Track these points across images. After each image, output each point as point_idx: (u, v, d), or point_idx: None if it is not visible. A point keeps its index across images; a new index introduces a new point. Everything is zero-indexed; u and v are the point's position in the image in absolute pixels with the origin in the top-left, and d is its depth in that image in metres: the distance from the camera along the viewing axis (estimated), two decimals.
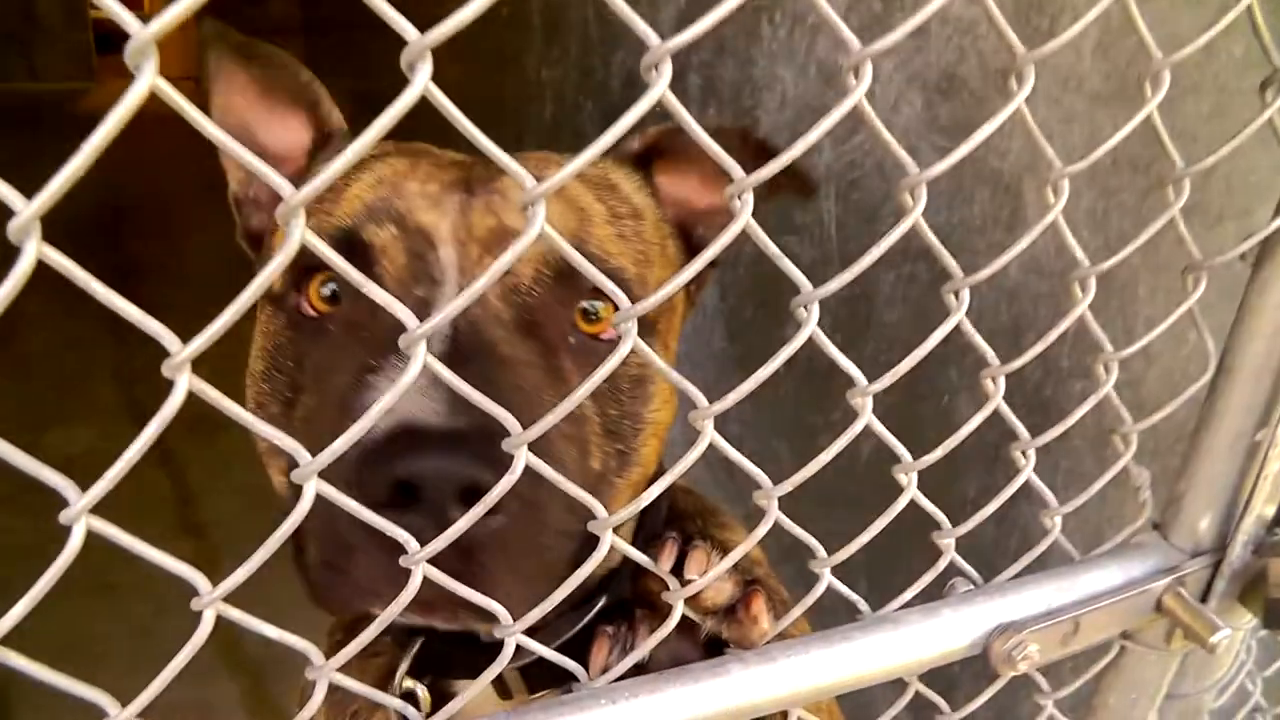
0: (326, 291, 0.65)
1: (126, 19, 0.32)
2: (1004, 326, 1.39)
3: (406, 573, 0.44)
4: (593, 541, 0.48)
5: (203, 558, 2.55)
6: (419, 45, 0.35)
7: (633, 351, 0.69)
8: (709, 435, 0.46)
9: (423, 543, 0.44)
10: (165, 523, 2.71)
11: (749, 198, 0.42)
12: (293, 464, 0.64)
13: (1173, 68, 0.63)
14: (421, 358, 0.39)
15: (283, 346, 0.67)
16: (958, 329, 0.54)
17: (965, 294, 0.53)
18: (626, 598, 0.64)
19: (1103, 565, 0.67)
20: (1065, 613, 0.62)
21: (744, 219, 0.42)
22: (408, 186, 0.66)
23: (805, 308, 0.46)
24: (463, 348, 0.58)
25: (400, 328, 0.57)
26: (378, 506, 0.44)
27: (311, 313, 0.65)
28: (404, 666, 0.70)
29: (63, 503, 0.36)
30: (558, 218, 0.67)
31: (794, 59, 1.71)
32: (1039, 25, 1.29)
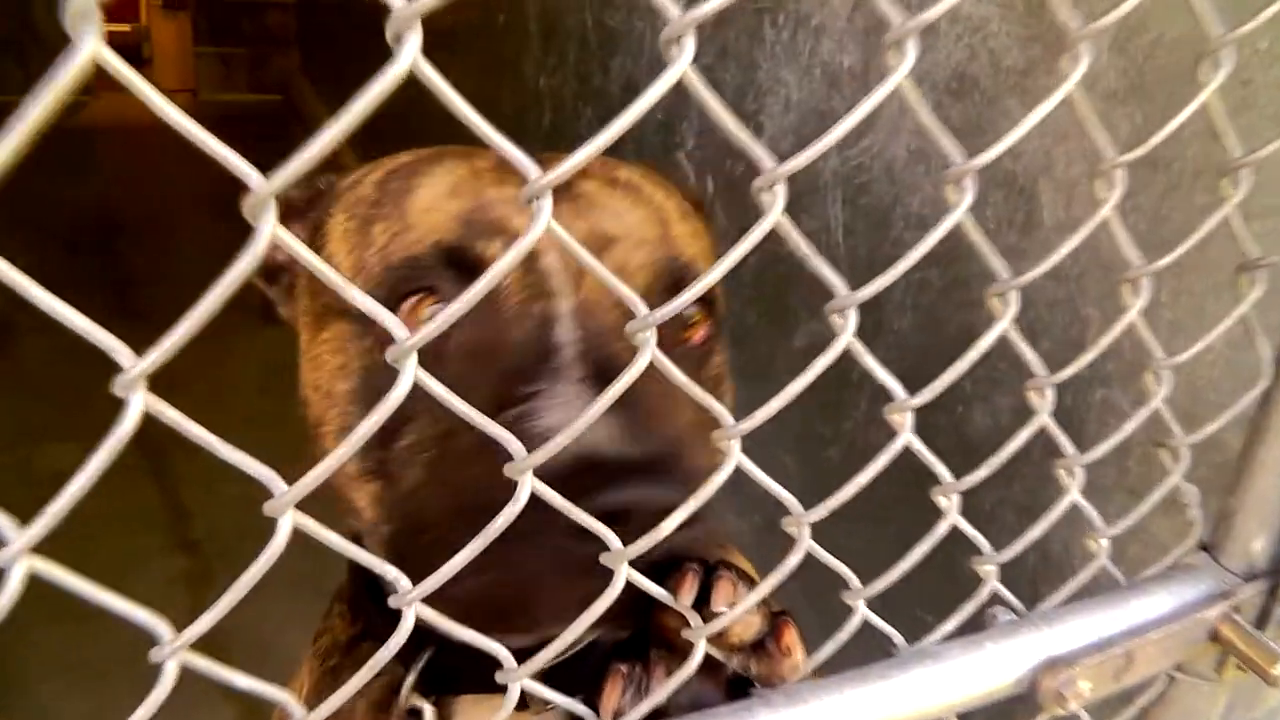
0: (432, 314, 0.60)
1: None
2: (1020, 333, 1.34)
3: (594, 587, 0.44)
4: None
5: (195, 575, 2.52)
6: (406, 12, 0.30)
7: (717, 352, 0.69)
8: (735, 457, 0.41)
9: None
10: (157, 538, 2.66)
11: (780, 189, 0.37)
12: (380, 493, 0.61)
13: (1195, 62, 0.59)
14: (412, 372, 0.34)
15: (377, 370, 0.62)
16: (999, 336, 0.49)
17: (1014, 297, 0.48)
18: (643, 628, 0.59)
19: (1151, 591, 0.62)
20: (1117, 644, 0.57)
21: (776, 213, 0.37)
22: (487, 193, 0.62)
23: (841, 313, 0.41)
24: (601, 369, 0.55)
25: (532, 349, 0.56)
26: (567, 536, 0.46)
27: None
28: (410, 680, 0.65)
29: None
30: (645, 224, 0.65)
31: (798, 62, 1.66)
32: (1054, 21, 1.24)
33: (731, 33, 1.83)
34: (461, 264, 0.59)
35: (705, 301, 0.67)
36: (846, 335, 0.41)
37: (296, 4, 7.12)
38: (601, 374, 0.54)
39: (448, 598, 0.52)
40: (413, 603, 0.40)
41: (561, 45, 2.61)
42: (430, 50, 0.31)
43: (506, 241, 0.59)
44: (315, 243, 0.73)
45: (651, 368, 0.59)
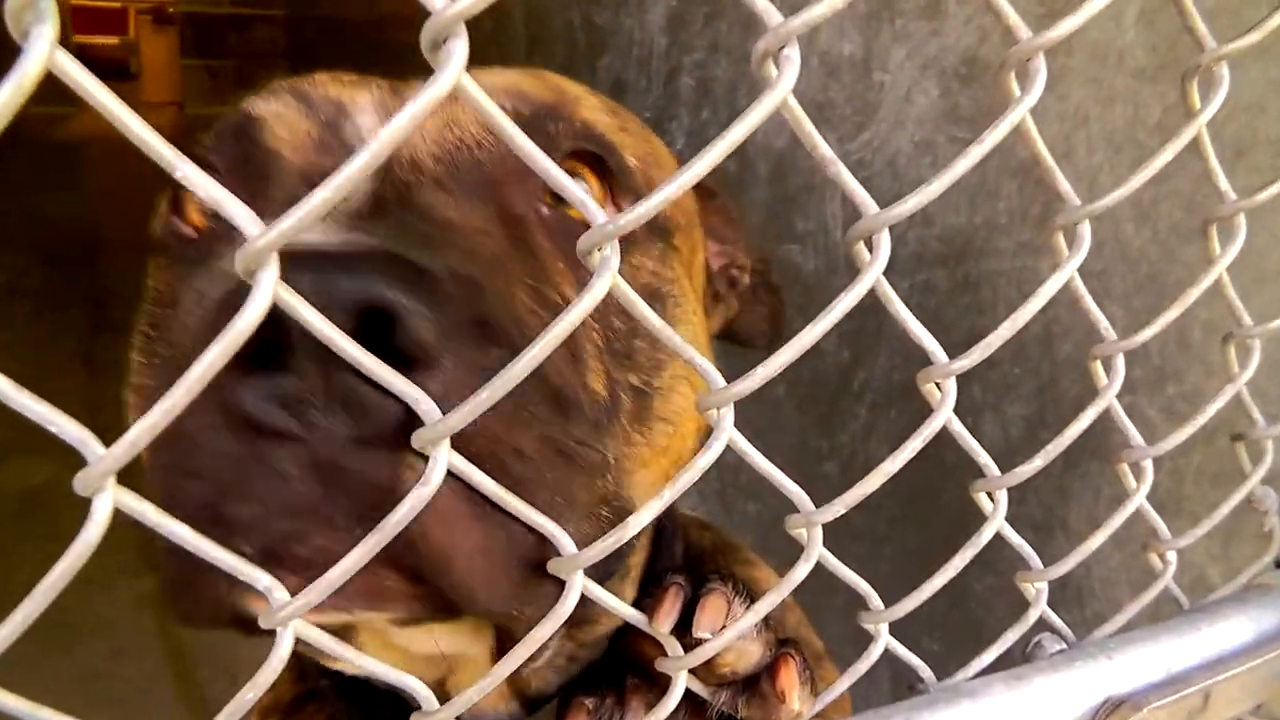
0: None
1: None
2: (1035, 335, 1.25)
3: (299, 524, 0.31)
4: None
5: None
6: None
7: (644, 255, 0.51)
8: (727, 430, 0.31)
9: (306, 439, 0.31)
10: (124, 559, 2.53)
11: (791, 54, 0.27)
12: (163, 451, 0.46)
13: (1232, 34, 0.51)
14: (270, 282, 0.23)
15: (165, 290, 0.51)
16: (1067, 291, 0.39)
17: (1084, 231, 0.38)
18: (618, 653, 0.48)
19: (1225, 615, 0.52)
20: (1191, 681, 0.47)
21: (785, 85, 0.27)
22: (315, 75, 0.51)
23: (870, 242, 0.31)
24: (386, 208, 0.41)
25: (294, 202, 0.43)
26: (239, 377, 0.30)
27: (191, 233, 0.50)
28: None
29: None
30: (524, 87, 0.51)
31: None
32: None
33: (724, 25, 1.74)
34: (235, 132, 0.49)
35: (606, 173, 0.52)
36: (877, 268, 0.31)
37: (285, 18, 7.08)
38: (390, 215, 0.41)
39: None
40: (288, 621, 0.29)
41: (549, 47, 2.52)
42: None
43: (300, 101, 0.49)
44: None
45: (474, 230, 0.43)
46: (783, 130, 1.61)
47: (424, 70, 0.25)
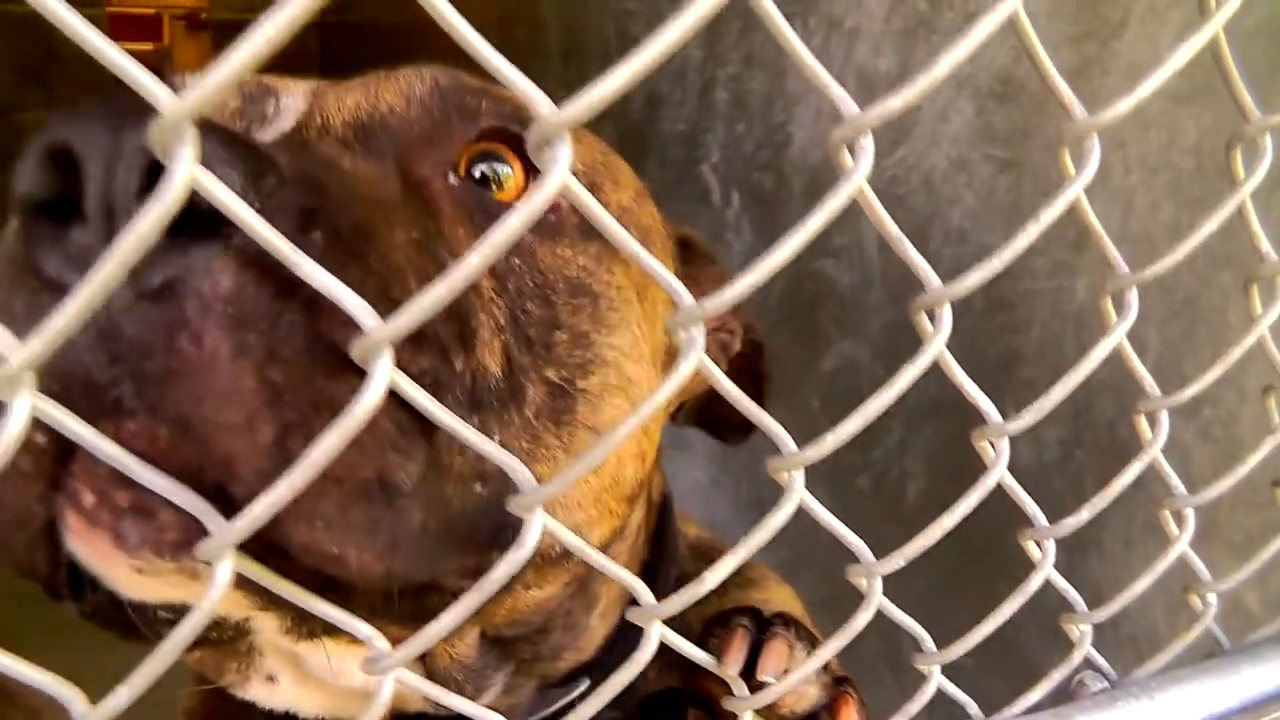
0: None
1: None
2: (1069, 359, 1.25)
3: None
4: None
5: None
6: None
7: (573, 248, 0.48)
8: (798, 492, 0.33)
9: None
10: None
11: (866, 142, 0.29)
12: None
13: (1270, 46, 0.52)
14: (387, 370, 0.25)
15: None
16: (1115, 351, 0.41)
17: (1133, 298, 0.40)
18: (675, 686, 0.50)
19: (1265, 657, 0.53)
20: None
21: (862, 173, 0.29)
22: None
23: (931, 313, 0.32)
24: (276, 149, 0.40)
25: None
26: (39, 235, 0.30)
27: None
28: None
29: None
30: (467, 76, 0.51)
31: (830, 67, 1.57)
32: (1109, 16, 1.16)
33: (758, 38, 1.76)
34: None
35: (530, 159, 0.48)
36: (939, 341, 0.32)
37: (319, 24, 7.15)
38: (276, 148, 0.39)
39: None
40: (390, 670, 0.31)
41: (583, 59, 2.54)
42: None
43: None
44: None
45: (364, 179, 0.41)
46: (818, 145, 1.62)
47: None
